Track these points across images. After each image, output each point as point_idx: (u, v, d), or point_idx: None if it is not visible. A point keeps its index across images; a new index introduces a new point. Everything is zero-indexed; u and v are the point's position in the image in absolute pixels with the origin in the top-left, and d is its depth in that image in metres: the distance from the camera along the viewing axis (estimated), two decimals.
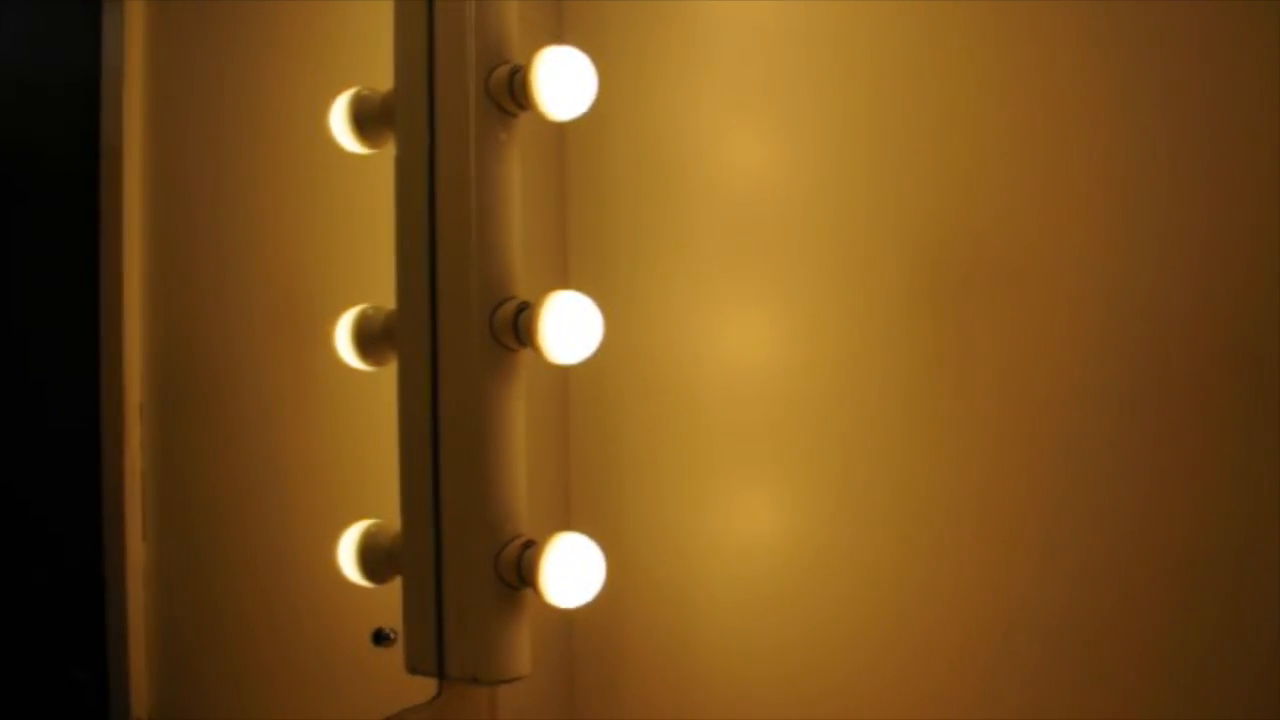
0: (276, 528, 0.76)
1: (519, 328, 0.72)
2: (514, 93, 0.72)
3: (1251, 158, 0.72)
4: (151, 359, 0.67)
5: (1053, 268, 0.78)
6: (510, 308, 0.72)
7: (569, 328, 0.73)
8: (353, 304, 0.78)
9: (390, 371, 0.77)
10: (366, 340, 0.77)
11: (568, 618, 0.94)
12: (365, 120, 0.76)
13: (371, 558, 0.76)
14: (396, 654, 0.75)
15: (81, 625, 0.66)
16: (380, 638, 0.74)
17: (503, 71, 0.72)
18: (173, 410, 0.69)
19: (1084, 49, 0.78)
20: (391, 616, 0.77)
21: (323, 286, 0.80)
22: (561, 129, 0.95)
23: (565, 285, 0.79)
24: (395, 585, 0.76)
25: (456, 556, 0.73)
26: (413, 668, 0.75)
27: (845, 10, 0.86)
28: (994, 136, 0.81)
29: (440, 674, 0.74)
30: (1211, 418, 0.73)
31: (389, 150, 0.77)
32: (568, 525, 0.90)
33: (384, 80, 0.77)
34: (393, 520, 0.76)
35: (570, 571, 0.72)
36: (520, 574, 0.72)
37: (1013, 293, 0.79)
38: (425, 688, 0.77)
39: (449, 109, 0.73)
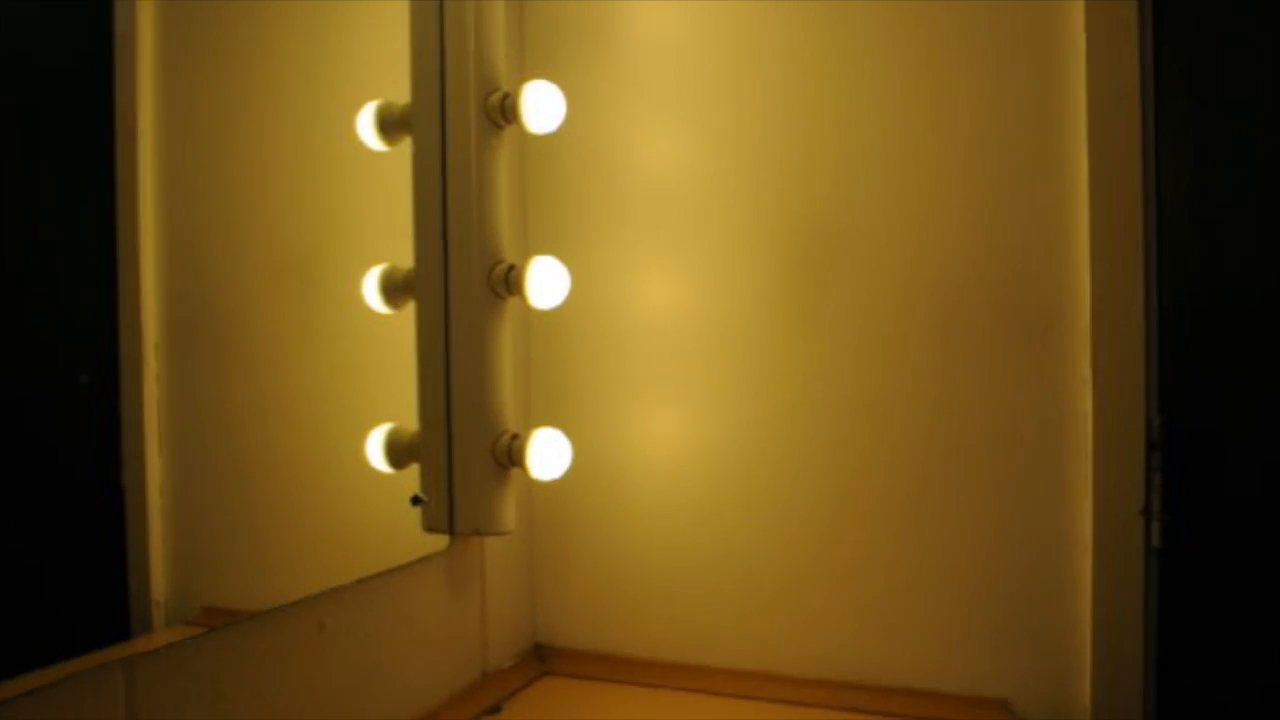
0: (282, 437, 0.90)
1: (509, 282, 1.00)
2: (504, 112, 0.99)
3: (1021, 159, 1.04)
4: (167, 302, 0.78)
5: (873, 241, 1.09)
6: (502, 268, 1.00)
7: (545, 283, 1.01)
8: (348, 255, 0.98)
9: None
10: (390, 290, 1.02)
11: (533, 490, 1.22)
12: (386, 125, 1.02)
13: (394, 451, 1.03)
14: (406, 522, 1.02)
15: (104, 526, 0.74)
16: (416, 500, 1.01)
17: (496, 96, 0.99)
18: (187, 346, 0.80)
19: (902, 76, 1.08)
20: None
21: (319, 241, 0.96)
22: (523, 136, 1.20)
23: (526, 253, 1.06)
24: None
25: (463, 446, 1.01)
26: (429, 528, 1.02)
27: (737, 50, 1.14)
28: (834, 143, 1.10)
29: (451, 530, 1.02)
30: (988, 348, 1.05)
31: (400, 149, 1.02)
32: (539, 424, 1.19)
33: (389, 78, 0.99)
34: (406, 423, 1.03)
35: (548, 454, 1.01)
36: (510, 457, 1.00)
37: (847, 258, 1.10)
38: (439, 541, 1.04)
39: (456, 122, 0.99)
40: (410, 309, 1.03)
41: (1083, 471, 1.01)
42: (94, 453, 0.75)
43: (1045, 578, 1.03)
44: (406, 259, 1.01)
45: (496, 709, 1.07)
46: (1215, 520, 0.99)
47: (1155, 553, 1.00)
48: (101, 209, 0.76)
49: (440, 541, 1.04)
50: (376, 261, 1.00)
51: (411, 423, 1.02)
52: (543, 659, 1.20)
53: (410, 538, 1.02)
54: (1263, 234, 0.97)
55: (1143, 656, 1.00)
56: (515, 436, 1.01)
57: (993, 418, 1.04)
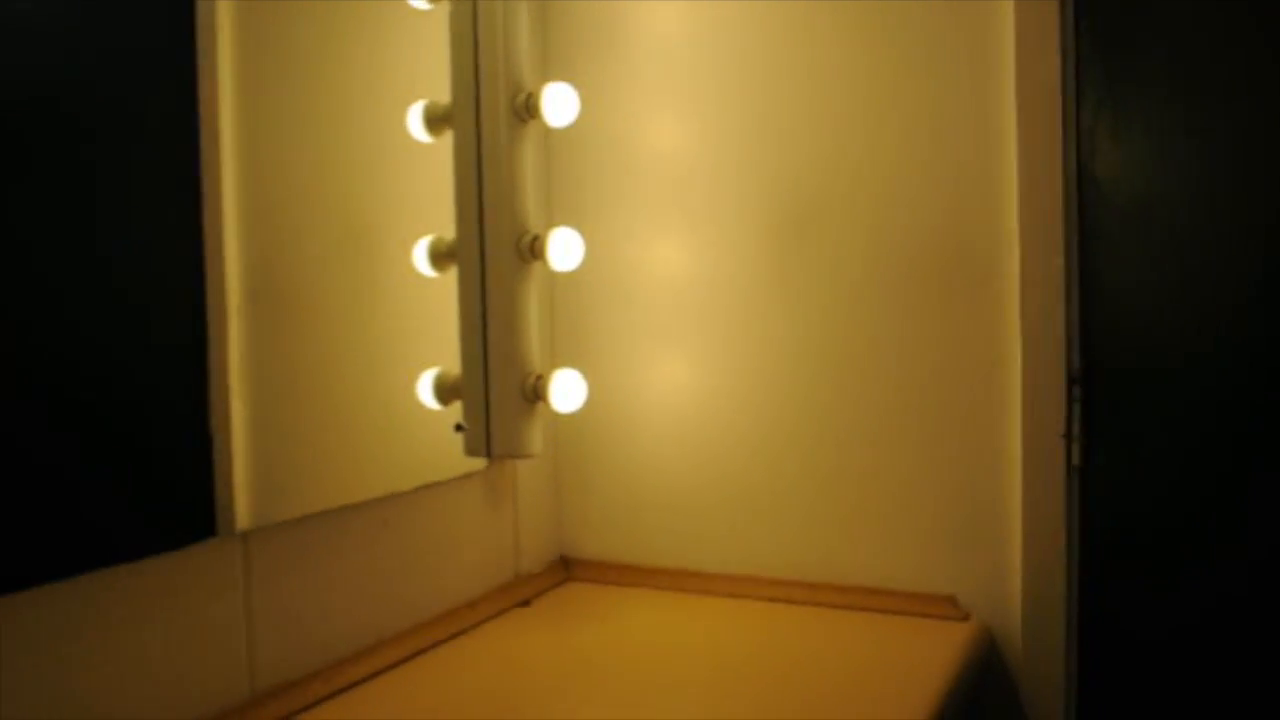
0: (346, 381, 1.09)
1: (534, 249, 1.21)
2: (529, 109, 1.20)
3: (964, 145, 1.23)
4: (247, 272, 0.93)
5: (841, 210, 1.28)
6: (528, 238, 1.21)
7: (564, 250, 1.22)
8: (397, 229, 1.17)
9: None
10: (435, 257, 1.24)
11: (557, 422, 1.44)
12: (432, 121, 1.23)
13: (440, 389, 1.24)
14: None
15: (194, 468, 0.90)
16: (459, 428, 1.23)
17: (521, 97, 1.20)
18: (264, 309, 0.96)
19: (866, 70, 1.27)
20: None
21: (374, 218, 1.13)
22: (545, 127, 1.41)
23: (548, 225, 1.27)
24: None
25: (497, 384, 1.22)
26: (470, 452, 1.24)
27: (728, 47, 1.34)
28: (809, 127, 1.29)
29: (489, 454, 1.24)
30: (936, 299, 1.25)
31: (442, 142, 1.24)
32: (561, 366, 1.40)
33: (433, 80, 1.19)
34: (450, 367, 1.24)
35: (567, 391, 1.22)
36: (536, 393, 1.22)
37: (820, 224, 1.29)
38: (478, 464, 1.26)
39: (489, 118, 1.20)
40: (452, 273, 1.24)
41: (1014, 401, 1.21)
42: (187, 402, 0.90)
43: (984, 491, 1.23)
44: (449, 231, 1.23)
45: (526, 603, 1.30)
46: (1124, 442, 1.18)
47: (1074, 470, 1.19)
48: (190, 193, 0.90)
49: (479, 463, 1.26)
50: (424, 234, 1.22)
51: (454, 366, 1.24)
52: (567, 567, 1.42)
53: (455, 460, 1.24)
54: (1167, 220, 1.16)
55: (1064, 556, 1.19)
56: (540, 377, 1.22)
57: (941, 356, 1.24)
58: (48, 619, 0.77)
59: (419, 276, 1.21)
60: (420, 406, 1.20)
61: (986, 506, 1.23)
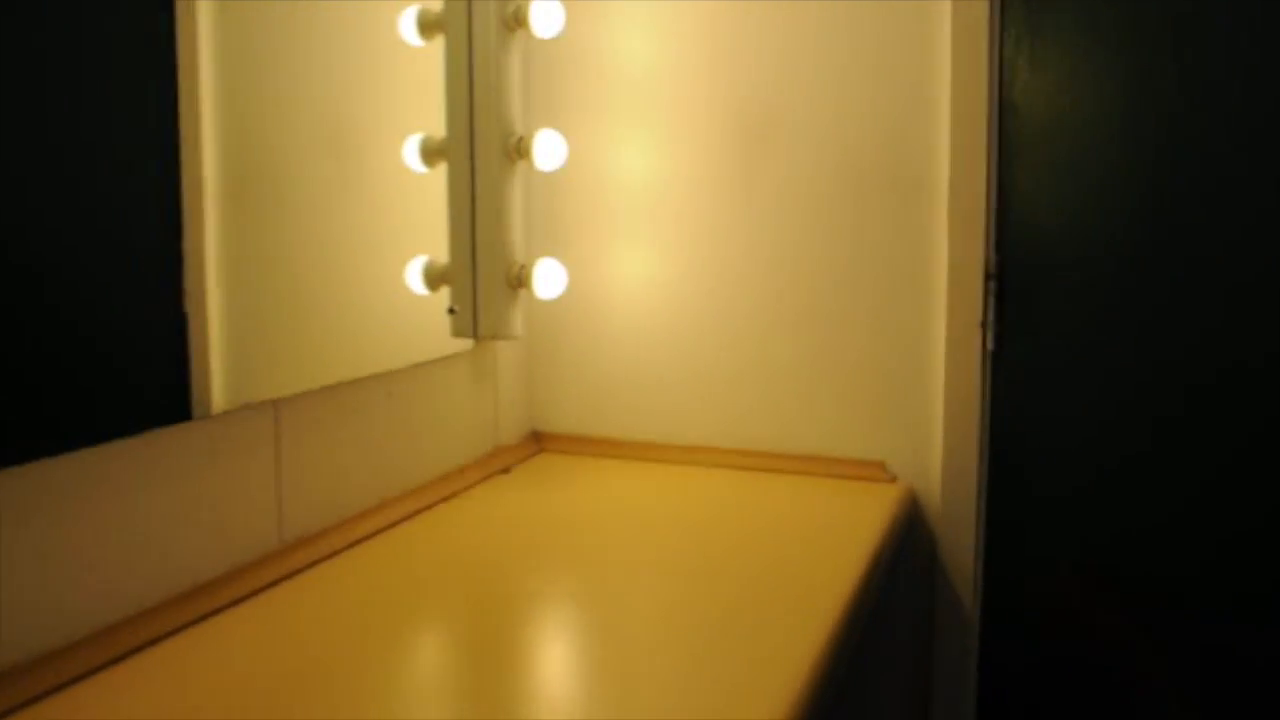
0: (344, 270, 1.18)
1: (520, 149, 1.33)
2: (518, 20, 1.31)
3: (904, 68, 1.37)
4: (224, 162, 0.96)
5: (796, 119, 1.42)
6: (514, 138, 1.32)
7: (549, 151, 1.33)
8: (385, 128, 1.25)
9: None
10: (426, 154, 1.34)
11: (532, 308, 1.57)
12: (425, 26, 1.32)
13: (429, 276, 1.36)
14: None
15: (168, 348, 0.93)
16: (451, 310, 1.35)
17: (511, 7, 1.30)
18: (243, 199, 1.00)
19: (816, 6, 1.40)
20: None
21: (362, 117, 1.20)
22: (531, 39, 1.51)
23: (532, 128, 1.39)
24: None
25: (484, 272, 1.35)
26: (457, 334, 1.37)
27: None
28: (769, 44, 1.42)
29: (475, 335, 1.37)
30: (876, 202, 1.40)
31: (432, 46, 1.33)
32: (542, 256, 1.52)
33: None
34: (437, 256, 1.36)
35: (548, 279, 1.35)
36: (519, 280, 1.35)
37: (777, 132, 1.43)
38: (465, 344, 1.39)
39: (480, 25, 1.30)
40: (440, 170, 1.35)
41: (939, 294, 1.37)
42: (161, 287, 0.93)
43: (912, 371, 1.40)
44: (437, 131, 1.33)
45: (506, 470, 1.44)
46: (1031, 330, 1.36)
47: (988, 354, 1.37)
48: (167, 78, 0.91)
49: (466, 344, 1.39)
50: (411, 133, 1.31)
51: (441, 256, 1.35)
52: (539, 440, 1.57)
53: (443, 341, 1.36)
54: (1073, 139, 1.32)
55: (978, 427, 1.38)
56: (523, 266, 1.35)
57: (878, 254, 1.40)
58: (115, 472, 0.89)
59: (405, 172, 1.30)
60: (409, 293, 1.32)
61: (913, 384, 1.40)
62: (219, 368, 0.99)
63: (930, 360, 1.39)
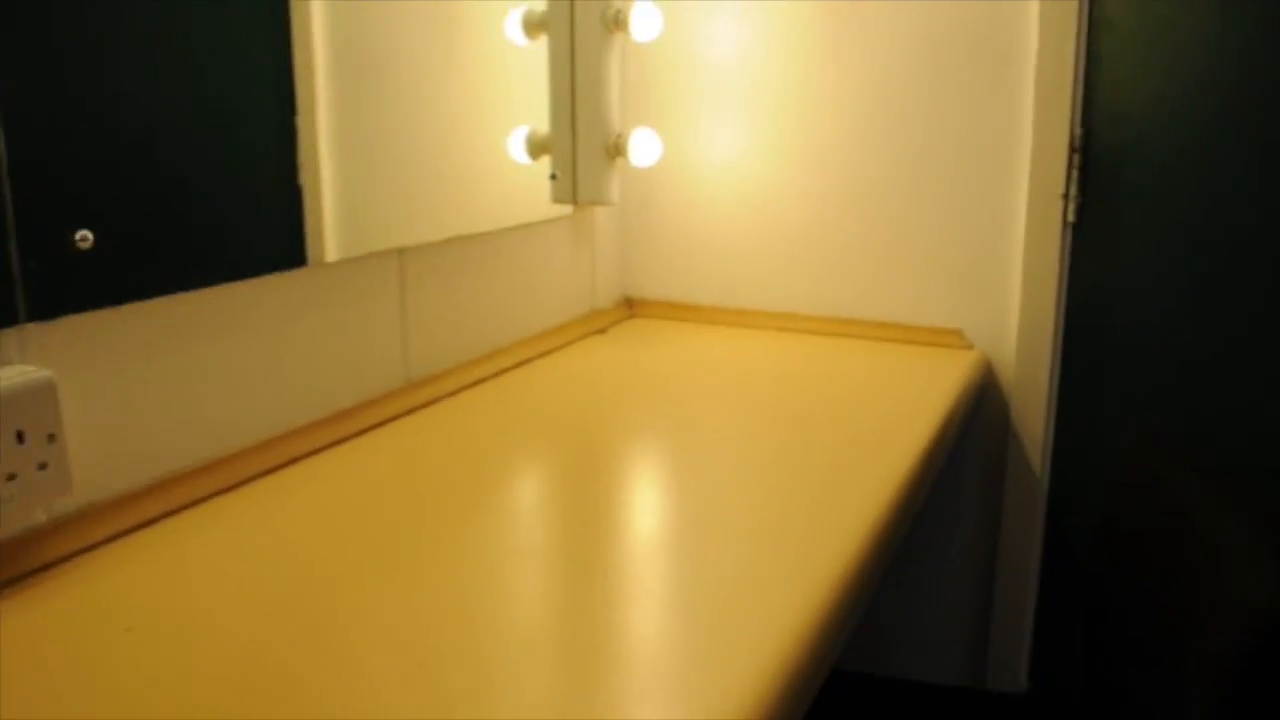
0: (448, 138, 1.25)
1: (618, 21, 1.39)
2: (617, 22, 1.36)
3: None
4: (334, 41, 1.03)
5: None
6: (613, 9, 1.38)
7: (645, 22, 1.39)
8: (482, 1, 1.32)
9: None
10: (528, 27, 1.41)
11: (627, 176, 1.64)
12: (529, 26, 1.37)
13: (531, 145, 1.44)
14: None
15: (285, 216, 1.01)
16: (553, 176, 1.43)
17: (611, 9, 1.35)
18: (351, 75, 1.07)
19: None
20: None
21: None
22: None
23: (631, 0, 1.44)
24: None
25: (583, 140, 1.42)
26: (558, 200, 1.45)
27: None
28: None
29: (574, 201, 1.45)
30: (964, 75, 1.44)
31: None
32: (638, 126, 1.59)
33: None
34: (538, 126, 1.43)
35: (644, 148, 1.42)
36: (617, 149, 1.42)
37: (864, 10, 1.47)
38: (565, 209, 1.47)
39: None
40: (542, 42, 1.41)
41: (1024, 164, 1.42)
42: (279, 161, 1.00)
43: (993, 242, 1.45)
44: (539, 4, 1.39)
45: (602, 331, 1.54)
46: (1112, 204, 1.40)
47: (1069, 226, 1.42)
48: None
49: (566, 210, 1.47)
50: (514, 7, 1.38)
51: (543, 126, 1.43)
52: (631, 306, 1.66)
53: (545, 207, 1.45)
54: (1167, 18, 1.34)
55: (1054, 299, 1.43)
56: (620, 135, 1.42)
57: (965, 125, 1.44)
58: (270, 301, 0.99)
59: (507, 46, 1.36)
60: (511, 161, 1.40)
61: (993, 254, 1.46)
62: (338, 224, 1.08)
63: (1010, 231, 1.44)
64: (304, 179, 1.03)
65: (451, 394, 1.22)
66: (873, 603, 1.56)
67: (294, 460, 1.00)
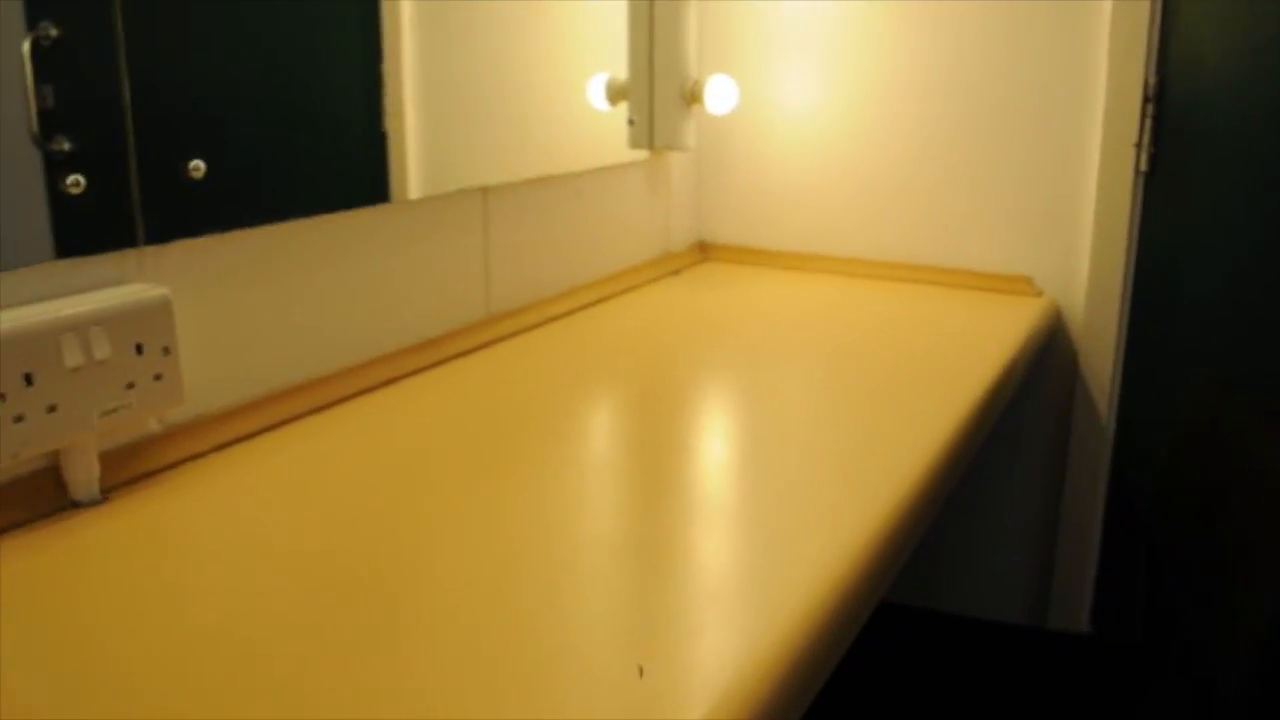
0: (518, 85, 1.29)
1: None
2: None
3: None
4: None
5: None
6: None
7: None
8: None
9: None
10: None
11: (703, 123, 1.67)
12: None
13: (610, 91, 1.48)
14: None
15: (371, 161, 1.07)
16: (630, 122, 1.48)
17: None
18: (433, 26, 1.13)
19: None
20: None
21: None
22: None
23: None
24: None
25: (661, 87, 1.46)
26: (635, 144, 1.49)
27: None
28: None
29: (651, 146, 1.49)
30: (1044, 23, 1.44)
31: None
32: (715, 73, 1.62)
33: None
34: (616, 74, 1.47)
35: (721, 95, 1.45)
36: (693, 95, 1.46)
37: None
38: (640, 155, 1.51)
39: None
40: None
41: (1097, 112, 1.42)
42: (367, 109, 1.07)
43: (1066, 190, 1.46)
44: None
45: (676, 273, 1.58)
46: (1184, 154, 1.40)
47: (1141, 175, 1.42)
48: None
49: (643, 154, 1.51)
50: None
51: (621, 73, 1.47)
52: (705, 250, 1.70)
53: (622, 151, 1.49)
54: None
55: (1125, 247, 1.44)
56: (697, 81, 1.46)
57: (1037, 73, 1.45)
58: (361, 235, 1.06)
59: None
60: (590, 108, 1.44)
61: (1065, 203, 1.47)
62: (423, 165, 1.14)
63: (1083, 179, 1.45)
64: (389, 125, 1.08)
65: (530, 328, 1.28)
66: (935, 538, 1.60)
67: (384, 384, 1.06)
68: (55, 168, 0.77)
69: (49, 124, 0.77)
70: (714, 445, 0.93)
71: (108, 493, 0.81)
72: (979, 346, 1.26)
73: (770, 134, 1.64)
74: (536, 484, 0.83)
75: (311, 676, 0.57)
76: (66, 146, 0.78)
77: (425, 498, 0.81)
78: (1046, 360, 1.49)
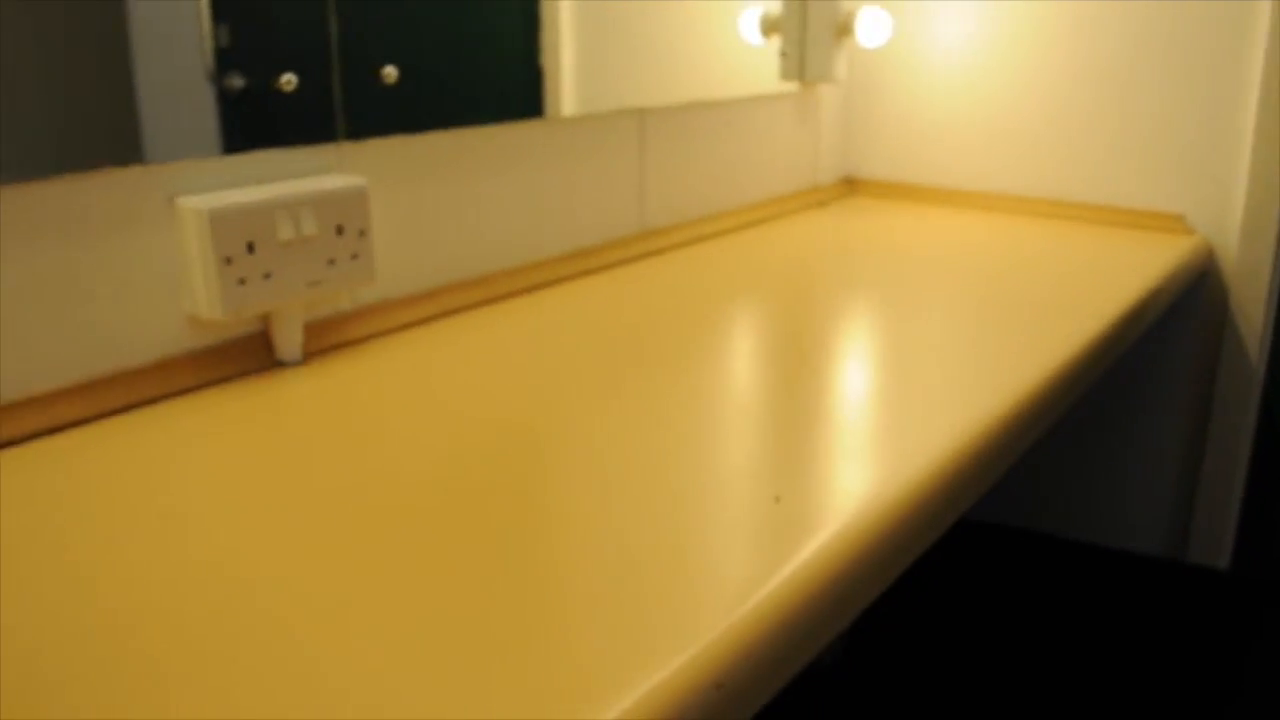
0: (673, 18, 1.39)
1: None
2: None
3: None
4: None
5: None
6: None
7: None
8: None
9: None
10: None
11: (853, 56, 1.71)
12: None
13: (764, 25, 1.53)
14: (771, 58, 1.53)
15: (530, 86, 1.18)
16: (783, 53, 1.53)
17: None
18: None
19: None
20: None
21: None
22: None
23: None
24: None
25: (813, 19, 1.50)
26: (786, 76, 1.54)
27: None
28: None
29: (801, 78, 1.54)
30: None
31: None
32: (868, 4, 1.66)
33: None
34: (770, 8, 1.52)
35: (873, 28, 1.49)
36: (845, 28, 1.49)
37: None
38: (790, 86, 1.56)
39: None
40: None
41: (1256, 49, 1.40)
42: (525, 46, 1.15)
43: (1219, 127, 1.45)
44: None
45: (822, 204, 1.62)
46: None
47: None
48: None
49: (793, 86, 1.56)
50: None
51: (775, 6, 1.51)
52: (851, 185, 1.74)
53: (774, 82, 1.54)
54: None
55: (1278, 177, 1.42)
56: (849, 13, 1.49)
57: (1194, 5, 1.44)
58: (528, 146, 1.14)
59: None
60: (742, 40, 1.49)
61: (1220, 140, 1.45)
62: (582, 89, 1.22)
63: (1239, 116, 1.43)
64: (545, 60, 1.17)
65: (679, 246, 1.35)
66: (1074, 467, 1.61)
67: (545, 285, 1.15)
68: (271, 68, 0.88)
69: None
70: (852, 343, 0.99)
71: (307, 357, 0.92)
72: (1119, 277, 1.27)
73: (921, 68, 1.66)
74: (687, 369, 0.91)
75: (480, 504, 0.66)
76: (282, 44, 0.88)
77: (584, 378, 0.89)
78: (1195, 297, 1.49)
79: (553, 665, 0.48)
